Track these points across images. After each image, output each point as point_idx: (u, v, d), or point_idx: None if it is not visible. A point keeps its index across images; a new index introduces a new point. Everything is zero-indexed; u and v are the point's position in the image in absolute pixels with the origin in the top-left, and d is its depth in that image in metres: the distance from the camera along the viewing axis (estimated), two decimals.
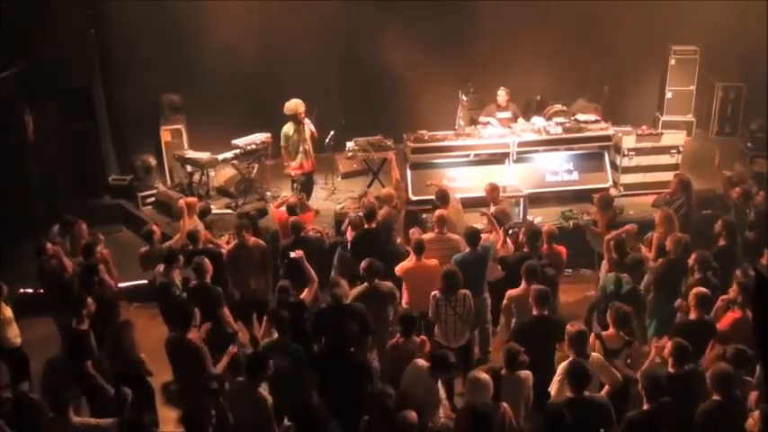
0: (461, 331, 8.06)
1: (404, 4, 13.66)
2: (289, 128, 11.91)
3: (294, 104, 11.85)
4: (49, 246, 9.20)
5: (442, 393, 6.88)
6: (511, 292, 8.14)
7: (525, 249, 8.93)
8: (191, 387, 7.29)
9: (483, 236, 9.43)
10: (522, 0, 13.81)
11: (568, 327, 6.99)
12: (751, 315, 7.10)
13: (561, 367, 6.72)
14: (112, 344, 7.66)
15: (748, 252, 9.08)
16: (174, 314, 7.60)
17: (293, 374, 6.88)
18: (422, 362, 6.88)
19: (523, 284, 8.02)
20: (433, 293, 8.06)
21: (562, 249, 9.14)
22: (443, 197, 10.00)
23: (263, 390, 6.68)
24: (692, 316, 7.41)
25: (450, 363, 6.72)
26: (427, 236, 9.29)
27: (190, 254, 8.95)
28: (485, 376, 6.31)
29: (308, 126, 12.02)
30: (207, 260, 8.37)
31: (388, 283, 8.30)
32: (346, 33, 14.03)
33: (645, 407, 6.19)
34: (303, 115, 11.88)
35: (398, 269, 8.80)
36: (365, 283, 8.18)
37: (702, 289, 7.54)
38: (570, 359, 6.68)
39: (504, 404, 6.30)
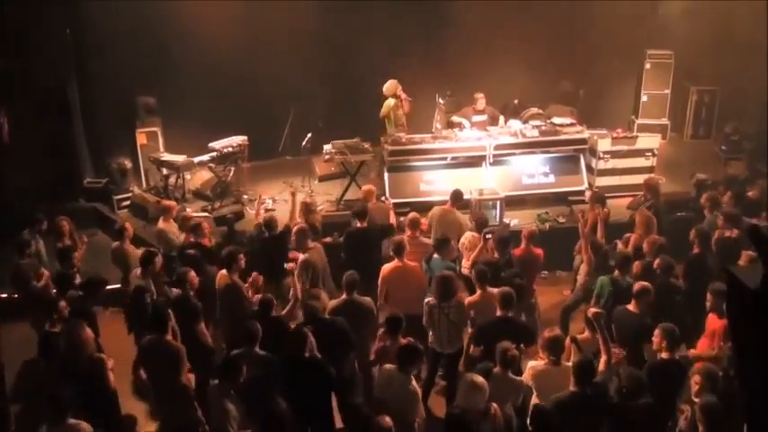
0: (455, 338, 8.02)
1: (381, 8, 13.66)
2: (390, 101, 12.96)
3: (392, 85, 12.89)
4: (33, 244, 9.13)
5: (417, 388, 6.80)
6: (468, 299, 8.15)
7: (496, 255, 8.95)
8: (166, 391, 7.26)
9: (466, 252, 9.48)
10: (499, 4, 13.86)
11: (545, 332, 7.02)
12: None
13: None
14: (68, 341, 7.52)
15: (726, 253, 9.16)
16: (151, 317, 7.51)
17: (263, 383, 6.79)
18: (389, 365, 6.84)
19: (478, 291, 8.06)
20: (426, 300, 8.01)
21: (539, 252, 9.18)
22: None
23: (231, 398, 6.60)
24: (631, 307, 7.55)
25: (416, 352, 6.69)
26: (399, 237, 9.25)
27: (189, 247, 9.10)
28: (480, 380, 6.26)
29: (405, 100, 13.07)
30: (192, 273, 8.24)
31: (367, 298, 8.15)
32: (323, 36, 14.00)
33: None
34: (401, 93, 13.00)
35: (381, 270, 8.78)
36: (344, 296, 8.04)
37: (644, 283, 7.65)
38: (583, 354, 6.72)
39: (495, 405, 6.29)
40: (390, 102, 12.97)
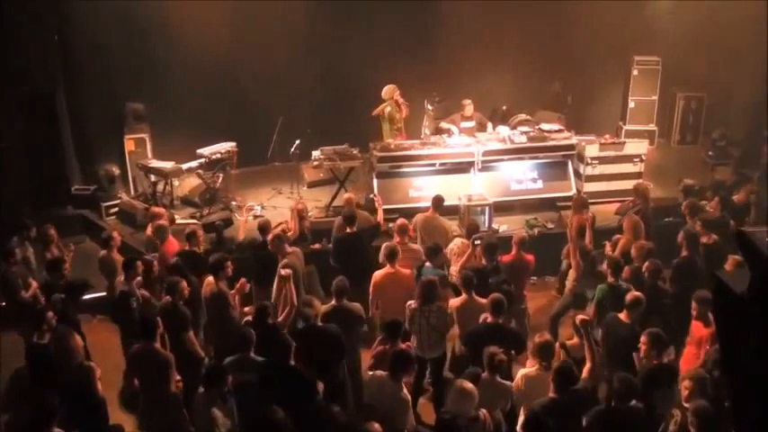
0: (436, 342, 8.02)
1: (370, 15, 13.71)
2: (386, 105, 12.99)
3: (390, 89, 12.87)
4: (17, 252, 9.07)
5: (408, 396, 6.75)
6: (452, 302, 8.16)
7: (483, 262, 8.96)
8: (155, 399, 7.21)
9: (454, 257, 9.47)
10: (488, 12, 13.92)
11: (536, 337, 7.02)
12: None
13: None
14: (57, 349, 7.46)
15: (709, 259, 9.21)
16: (140, 325, 7.46)
17: (257, 389, 6.76)
18: (379, 372, 6.82)
19: (463, 294, 8.06)
20: (408, 303, 8.01)
21: (530, 258, 9.20)
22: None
23: (218, 406, 6.54)
24: (623, 316, 7.54)
25: (408, 358, 6.67)
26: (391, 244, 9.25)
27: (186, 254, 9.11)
28: (469, 386, 6.24)
29: (403, 105, 13.02)
30: (184, 283, 8.18)
31: (356, 304, 8.13)
32: (312, 43, 14.01)
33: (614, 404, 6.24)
34: (398, 97, 12.96)
35: (373, 277, 8.76)
36: (333, 302, 8.03)
37: (637, 293, 7.65)
38: (563, 360, 6.72)
39: (484, 410, 6.27)
40: (388, 104, 12.99)
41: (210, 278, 8.41)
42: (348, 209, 10.12)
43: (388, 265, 8.66)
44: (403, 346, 7.17)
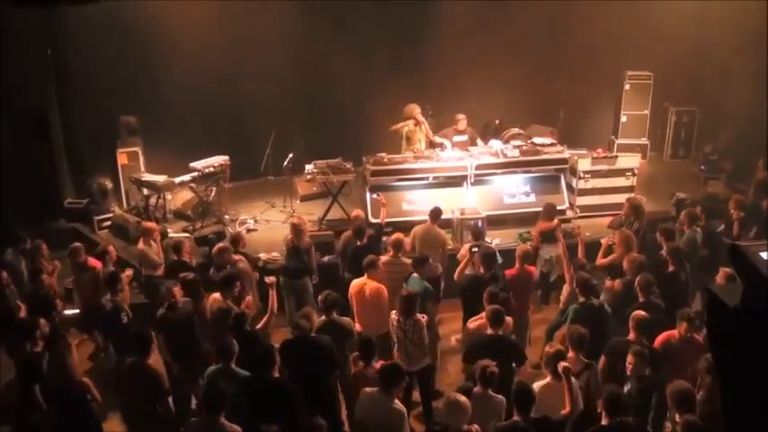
0: (415, 356, 7.98)
1: (363, 30, 13.78)
2: (407, 124, 13.00)
3: (409, 108, 12.93)
4: (4, 275, 9.01)
5: (402, 406, 6.65)
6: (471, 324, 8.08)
7: (482, 271, 8.96)
8: (146, 416, 7.16)
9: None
10: (480, 26, 13.99)
11: (547, 347, 7.01)
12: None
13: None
14: (54, 365, 7.42)
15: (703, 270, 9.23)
16: (133, 339, 7.39)
17: (238, 400, 6.69)
18: (370, 388, 6.75)
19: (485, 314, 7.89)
20: (392, 313, 8.03)
21: (533, 269, 9.25)
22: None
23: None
24: (631, 337, 7.47)
25: (397, 371, 6.61)
26: (383, 258, 9.23)
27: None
28: (463, 399, 6.17)
29: (425, 126, 13.04)
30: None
31: (347, 319, 8.16)
32: (306, 57, 14.05)
33: (604, 422, 6.19)
34: (419, 116, 12.96)
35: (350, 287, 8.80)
36: (323, 317, 8.00)
37: (641, 312, 7.58)
38: (517, 380, 6.69)
39: (476, 426, 6.21)
40: (408, 122, 13.02)
41: (217, 295, 8.38)
42: (359, 223, 10.24)
43: (365, 275, 8.69)
44: (377, 366, 7.05)
